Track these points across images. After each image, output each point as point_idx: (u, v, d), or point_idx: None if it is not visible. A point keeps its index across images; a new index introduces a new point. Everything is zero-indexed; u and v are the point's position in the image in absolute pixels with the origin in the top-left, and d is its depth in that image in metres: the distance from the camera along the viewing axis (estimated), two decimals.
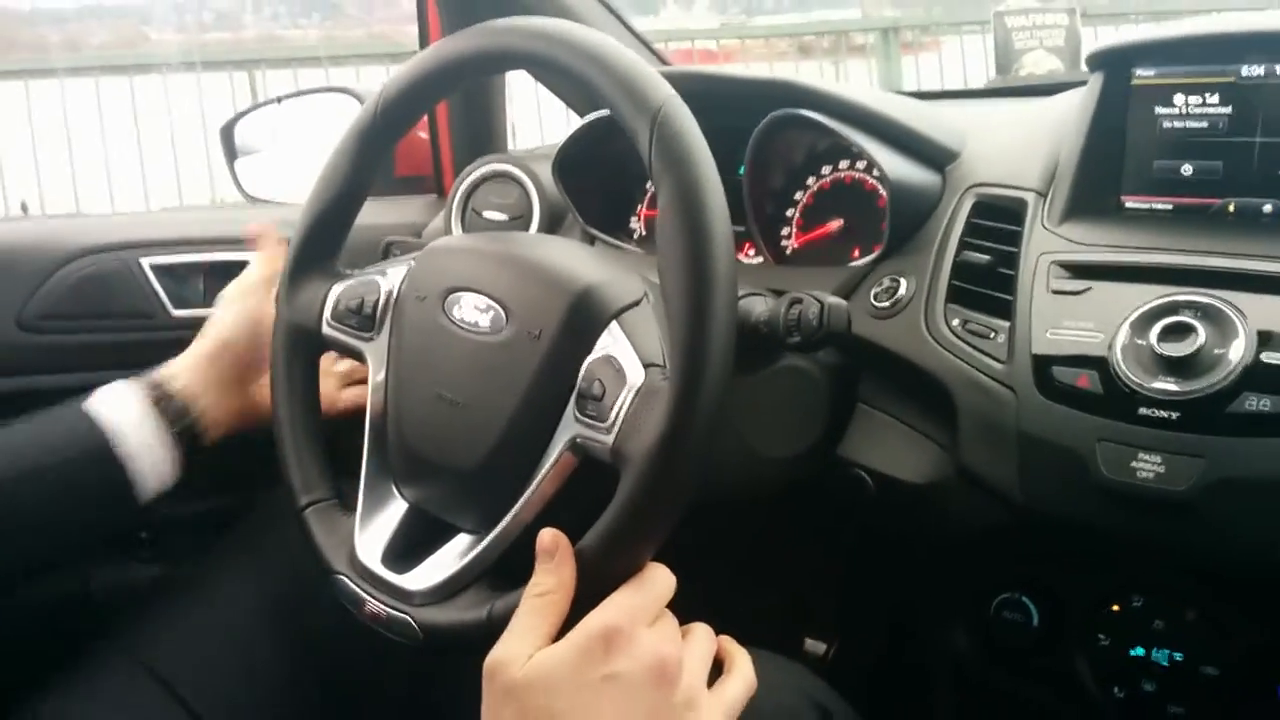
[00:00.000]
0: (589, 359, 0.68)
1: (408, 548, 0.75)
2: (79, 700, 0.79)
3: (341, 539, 0.76)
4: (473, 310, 0.74)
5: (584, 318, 0.69)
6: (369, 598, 0.73)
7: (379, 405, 0.78)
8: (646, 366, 0.66)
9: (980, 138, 0.90)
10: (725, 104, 0.89)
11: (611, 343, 0.69)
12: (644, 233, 1.07)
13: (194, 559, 0.94)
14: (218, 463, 0.85)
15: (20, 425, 0.79)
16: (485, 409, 0.72)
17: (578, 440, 0.67)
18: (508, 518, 0.69)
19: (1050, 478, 0.69)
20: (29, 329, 0.97)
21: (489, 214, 1.08)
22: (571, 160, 1.02)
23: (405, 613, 0.71)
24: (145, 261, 1.00)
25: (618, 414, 0.65)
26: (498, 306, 0.73)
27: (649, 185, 1.06)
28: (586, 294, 0.70)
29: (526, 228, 1.06)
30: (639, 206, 1.07)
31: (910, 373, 0.79)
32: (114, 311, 0.99)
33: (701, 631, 0.64)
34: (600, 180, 1.04)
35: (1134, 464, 0.65)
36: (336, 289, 0.81)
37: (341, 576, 0.75)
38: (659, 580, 0.63)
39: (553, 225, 1.06)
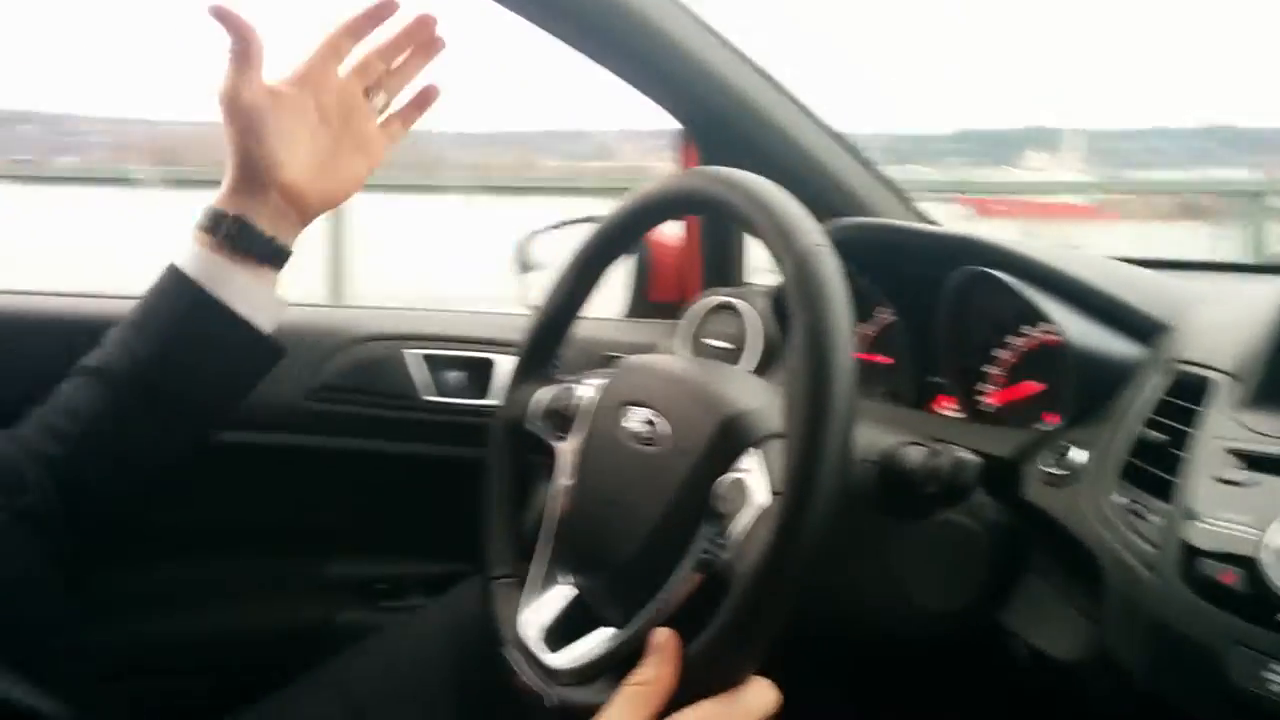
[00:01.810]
0: (725, 479, 0.73)
1: (564, 630, 0.82)
2: (276, 713, 0.92)
3: (513, 613, 0.85)
4: (641, 423, 0.81)
5: (728, 440, 0.75)
6: (522, 669, 0.81)
7: (563, 499, 0.87)
8: (774, 494, 0.71)
9: (1199, 312, 0.86)
10: (918, 255, 0.92)
11: (748, 467, 0.73)
12: None
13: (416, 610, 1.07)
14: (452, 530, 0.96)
15: (132, 311, 0.84)
16: (636, 516, 0.78)
17: (703, 556, 0.72)
18: (640, 617, 0.75)
19: (1182, 673, 0.65)
20: (312, 398, 1.16)
21: (713, 342, 1.16)
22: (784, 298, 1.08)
23: (547, 688, 0.78)
24: (408, 352, 1.17)
25: (737, 534, 0.70)
26: (661, 421, 0.80)
27: (868, 329, 1.10)
28: (736, 418, 0.75)
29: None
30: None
31: (1071, 545, 0.77)
32: (379, 390, 1.16)
33: None
34: None
35: (1265, 674, 0.59)
36: (546, 392, 0.92)
37: (507, 646, 0.84)
38: (755, 697, 0.66)
39: (769, 358, 1.12)
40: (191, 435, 0.86)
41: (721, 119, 1.19)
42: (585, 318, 1.31)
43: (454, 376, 1.19)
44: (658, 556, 0.75)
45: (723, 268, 1.31)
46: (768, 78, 1.20)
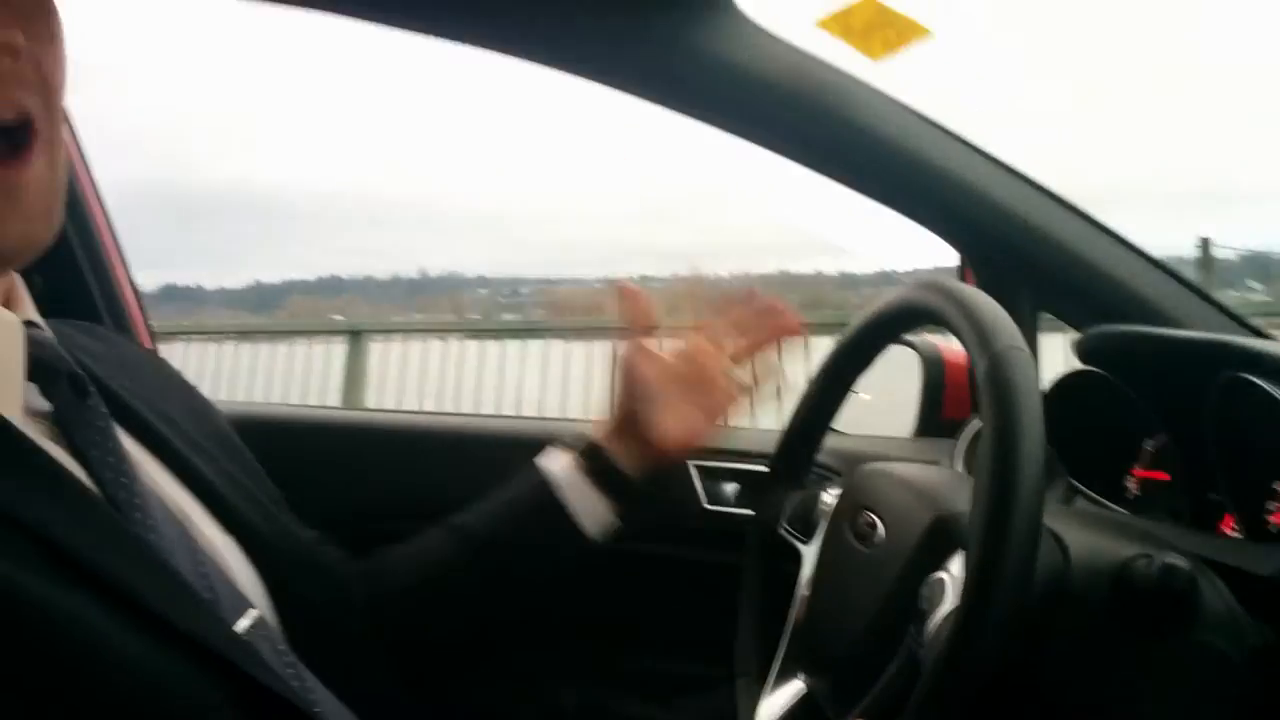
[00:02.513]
0: (930, 578, 0.75)
1: None
2: None
3: (751, 708, 0.91)
4: (866, 526, 0.85)
5: (937, 540, 0.76)
6: None
7: (804, 602, 0.92)
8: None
9: None
10: (1177, 363, 0.87)
11: (952, 568, 0.74)
12: (1137, 494, 1.04)
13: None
14: None
15: (504, 490, 1.01)
16: (856, 615, 0.82)
17: (908, 654, 0.74)
18: (852, 713, 0.77)
19: None
20: None
21: None
22: (1060, 409, 1.04)
23: None
24: (692, 464, 1.27)
25: (933, 630, 0.71)
26: (882, 525, 0.83)
27: (1148, 444, 1.04)
28: (947, 519, 0.77)
29: None
30: (1134, 465, 1.05)
31: None
32: (665, 499, 1.25)
33: None
34: (1094, 432, 1.05)
35: None
36: (794, 497, 0.98)
37: None
38: None
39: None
40: (501, 596, 1.00)
41: (994, 240, 1.19)
42: (878, 436, 1.35)
43: (732, 488, 1.27)
44: (873, 654, 0.78)
45: None
46: (1043, 191, 1.19)
